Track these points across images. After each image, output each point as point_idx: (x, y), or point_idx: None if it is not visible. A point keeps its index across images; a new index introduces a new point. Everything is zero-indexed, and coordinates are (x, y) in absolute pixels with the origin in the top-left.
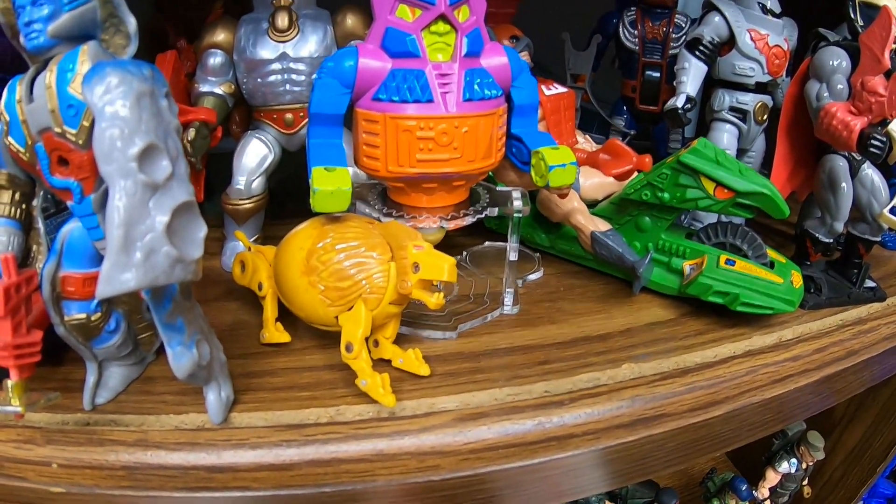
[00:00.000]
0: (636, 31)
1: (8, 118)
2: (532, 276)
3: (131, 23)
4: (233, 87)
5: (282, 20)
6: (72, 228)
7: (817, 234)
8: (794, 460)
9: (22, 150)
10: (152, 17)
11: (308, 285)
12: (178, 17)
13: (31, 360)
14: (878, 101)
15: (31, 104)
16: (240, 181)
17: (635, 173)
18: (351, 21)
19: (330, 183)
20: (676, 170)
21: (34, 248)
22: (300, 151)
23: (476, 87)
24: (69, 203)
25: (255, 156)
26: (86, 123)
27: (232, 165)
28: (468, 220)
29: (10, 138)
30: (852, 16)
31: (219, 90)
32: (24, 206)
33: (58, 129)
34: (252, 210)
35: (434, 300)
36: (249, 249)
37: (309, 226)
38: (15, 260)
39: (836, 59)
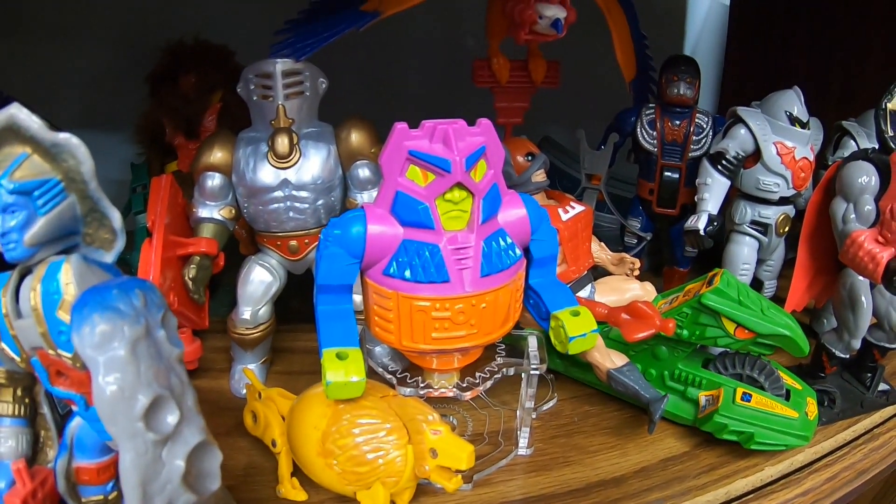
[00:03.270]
0: (655, 132)
1: None
2: (546, 406)
3: (115, 217)
4: (233, 210)
5: (282, 145)
6: (80, 423)
7: (834, 350)
8: None
9: (17, 358)
10: (148, 111)
11: (325, 466)
12: (176, 110)
13: None
14: None
15: (19, 320)
16: (245, 311)
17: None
18: (355, 138)
19: (343, 372)
20: (697, 309)
21: (42, 433)
22: None
23: (495, 257)
24: (74, 409)
25: (259, 284)
26: None
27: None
28: (485, 386)
29: (2, 344)
30: (882, 126)
31: (218, 215)
32: (27, 399)
33: (52, 351)
34: (259, 338)
35: (452, 485)
36: (259, 395)
37: (322, 402)
38: (27, 466)
39: (864, 178)
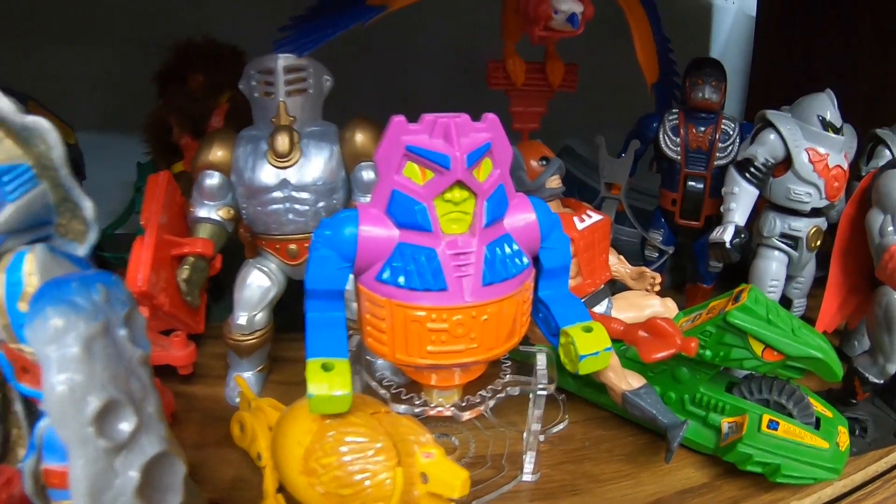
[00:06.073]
0: (678, 139)
1: None
2: (556, 429)
3: (87, 207)
4: (232, 211)
5: (282, 143)
6: (49, 424)
7: (868, 375)
8: None
9: None
10: (155, 110)
11: (307, 485)
12: (182, 110)
13: None
14: None
15: None
16: (241, 317)
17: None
18: (361, 139)
19: (327, 385)
20: (722, 328)
21: (14, 431)
22: None
23: (499, 264)
24: (41, 408)
25: (256, 288)
26: None
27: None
28: (486, 407)
29: None
30: None
31: (216, 216)
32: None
33: (14, 345)
34: (256, 345)
35: None
36: (250, 405)
37: (307, 416)
38: None
39: None
